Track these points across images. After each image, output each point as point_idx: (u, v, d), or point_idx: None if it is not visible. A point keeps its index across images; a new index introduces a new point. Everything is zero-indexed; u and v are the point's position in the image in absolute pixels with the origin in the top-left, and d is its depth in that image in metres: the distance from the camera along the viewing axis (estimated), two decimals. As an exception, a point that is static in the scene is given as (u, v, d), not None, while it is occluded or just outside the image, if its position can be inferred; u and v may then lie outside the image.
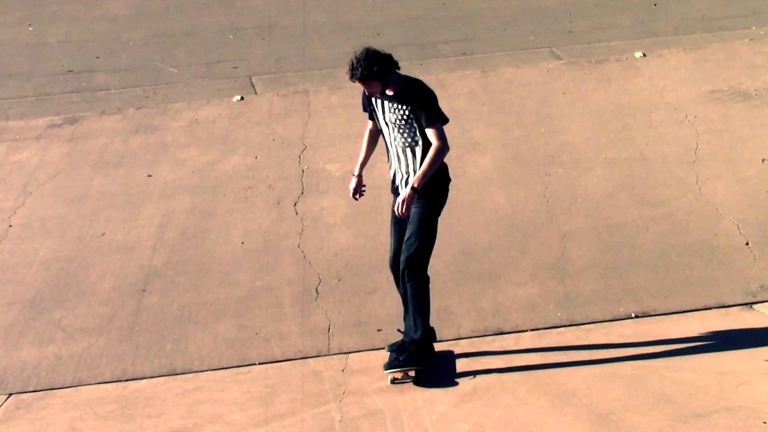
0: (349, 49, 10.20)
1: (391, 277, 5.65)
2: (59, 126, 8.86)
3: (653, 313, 6.14)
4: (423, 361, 5.37)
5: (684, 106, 8.79)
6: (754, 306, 6.16)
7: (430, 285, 5.44)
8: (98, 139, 8.60)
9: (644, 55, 9.98)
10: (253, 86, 9.71)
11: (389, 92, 5.26)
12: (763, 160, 7.83)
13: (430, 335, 5.46)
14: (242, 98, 9.33)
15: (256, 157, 8.18)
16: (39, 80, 9.97)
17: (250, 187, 7.74)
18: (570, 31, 10.97)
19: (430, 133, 5.20)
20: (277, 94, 9.39)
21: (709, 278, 6.44)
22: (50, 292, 6.58)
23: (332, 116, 8.86)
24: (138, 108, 9.20)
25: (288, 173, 7.93)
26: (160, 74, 10.08)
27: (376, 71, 5.09)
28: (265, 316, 6.26)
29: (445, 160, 5.35)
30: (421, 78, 5.57)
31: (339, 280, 6.59)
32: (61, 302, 6.47)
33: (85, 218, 7.43)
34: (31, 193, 7.78)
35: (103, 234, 7.21)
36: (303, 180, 7.83)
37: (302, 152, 8.24)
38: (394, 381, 5.39)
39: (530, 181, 7.71)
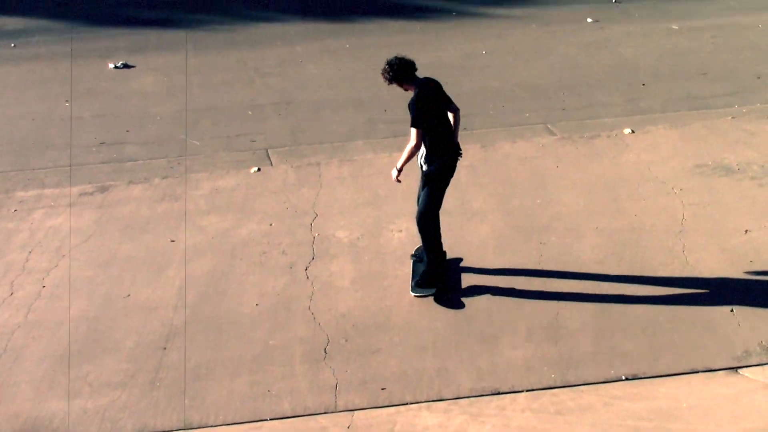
0: (360, 123, 10.42)
1: (395, 338, 6.54)
2: (90, 194, 8.96)
3: (643, 376, 6.13)
4: (432, 283, 7.09)
5: (671, 179, 8.84)
6: (740, 370, 6.15)
7: (432, 342, 6.17)
8: (126, 207, 8.68)
9: (633, 131, 10.06)
10: (270, 158, 9.82)
11: (411, 91, 6.80)
12: (747, 231, 7.84)
13: (437, 264, 7.07)
14: (259, 169, 9.43)
15: (271, 225, 8.24)
16: (74, 151, 10.10)
17: (264, 252, 7.79)
18: (563, 109, 11.08)
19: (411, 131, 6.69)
20: (291, 166, 9.49)
21: (696, 343, 6.43)
22: (79, 348, 6.60)
23: (342, 186, 8.93)
24: (163, 178, 9.30)
25: (300, 239, 7.98)
26: (185, 146, 10.20)
27: (393, 76, 6.66)
28: (277, 374, 6.27)
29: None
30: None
31: (346, 340, 6.60)
32: (89, 358, 6.49)
33: (113, 280, 7.47)
34: (63, 256, 7.84)
35: (129, 295, 7.24)
36: (314, 246, 7.87)
37: (314, 220, 8.30)
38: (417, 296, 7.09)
39: (526, 247, 7.73)
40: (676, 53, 13.16)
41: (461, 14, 15.38)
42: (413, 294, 7.11)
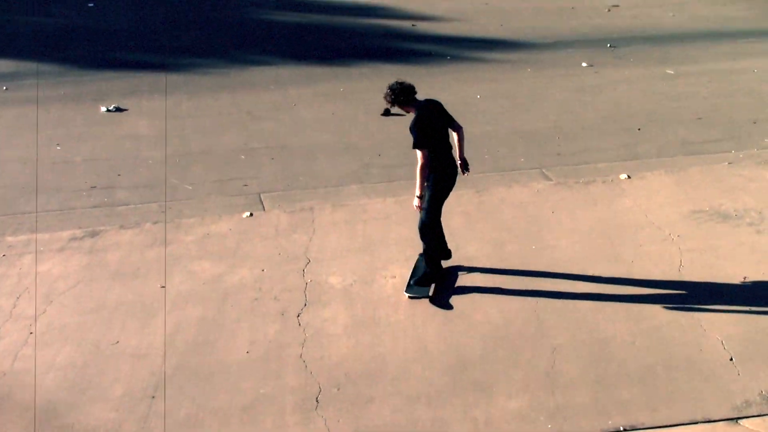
0: (353, 168, 10.45)
1: (388, 387, 6.54)
2: (80, 239, 8.94)
3: (641, 427, 6.10)
4: (426, 284, 7.77)
5: (667, 225, 8.86)
6: (740, 421, 6.12)
7: (426, 391, 6.17)
8: (116, 252, 8.65)
9: (629, 176, 10.10)
10: (262, 203, 9.82)
11: (412, 113, 7.45)
12: (745, 278, 7.85)
13: (433, 272, 7.78)
14: (251, 214, 9.42)
15: (263, 270, 8.22)
16: (64, 195, 10.09)
17: (256, 299, 7.76)
18: (558, 153, 11.13)
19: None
20: (284, 211, 9.49)
21: (695, 393, 6.40)
22: (65, 397, 6.54)
23: (335, 232, 8.93)
24: (154, 222, 9.29)
25: (292, 285, 7.95)
26: (176, 191, 10.20)
27: (394, 98, 7.33)
28: (268, 425, 6.21)
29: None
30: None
31: (338, 389, 6.55)
32: (75, 407, 6.43)
33: (101, 326, 7.42)
34: (52, 301, 7.80)
35: (118, 342, 7.19)
36: (306, 292, 7.84)
37: (306, 266, 8.28)
38: (410, 297, 7.70)
39: (521, 295, 7.71)
40: (671, 98, 13.27)
41: (456, 58, 15.51)
42: (406, 294, 7.70)
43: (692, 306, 7.45)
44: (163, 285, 8.03)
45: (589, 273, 8.00)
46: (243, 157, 11.21)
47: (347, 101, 13.26)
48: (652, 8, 19.27)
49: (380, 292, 7.82)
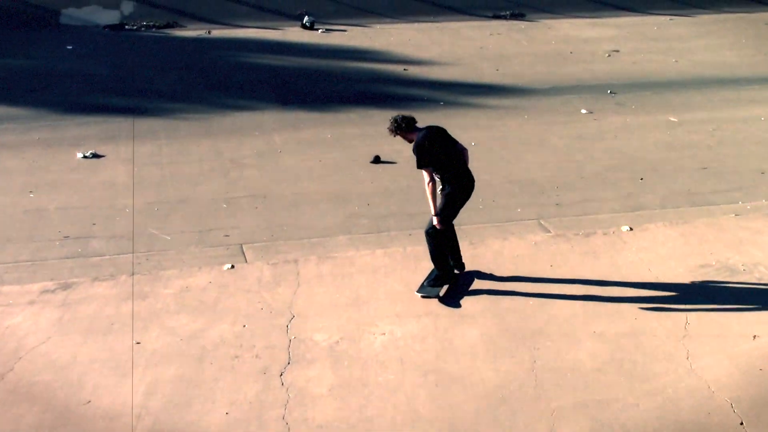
0: (341, 218, 10.43)
1: None
2: (52, 291, 8.86)
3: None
4: (439, 285, 8.68)
5: (672, 280, 8.85)
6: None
7: None
8: (90, 305, 8.57)
9: (631, 228, 10.12)
10: (244, 254, 9.78)
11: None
12: (755, 336, 7.81)
13: (444, 274, 8.69)
14: (233, 266, 9.37)
15: (244, 326, 8.14)
16: (36, 246, 10.03)
17: (236, 356, 7.67)
18: (557, 204, 11.15)
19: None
20: (267, 263, 9.44)
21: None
22: (29, 462, 6.42)
23: (321, 285, 8.88)
24: (131, 275, 9.23)
25: (275, 342, 7.88)
26: (154, 241, 10.15)
27: (396, 127, 8.37)
28: (247, 492, 6.09)
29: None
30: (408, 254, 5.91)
31: (324, 454, 6.45)
32: (40, 474, 6.30)
33: (72, 385, 7.32)
34: (20, 358, 7.69)
35: (89, 401, 7.09)
36: (290, 350, 7.76)
37: (290, 321, 8.21)
38: (422, 297, 8.61)
39: (518, 353, 7.66)
40: (674, 146, 13.35)
41: (449, 104, 15.63)
42: (418, 294, 8.61)
43: (699, 366, 7.39)
44: (138, 341, 7.94)
45: (590, 331, 7.96)
46: (225, 206, 11.19)
47: (335, 148, 13.30)
48: (653, 54, 19.49)
49: (368, 350, 7.76)
